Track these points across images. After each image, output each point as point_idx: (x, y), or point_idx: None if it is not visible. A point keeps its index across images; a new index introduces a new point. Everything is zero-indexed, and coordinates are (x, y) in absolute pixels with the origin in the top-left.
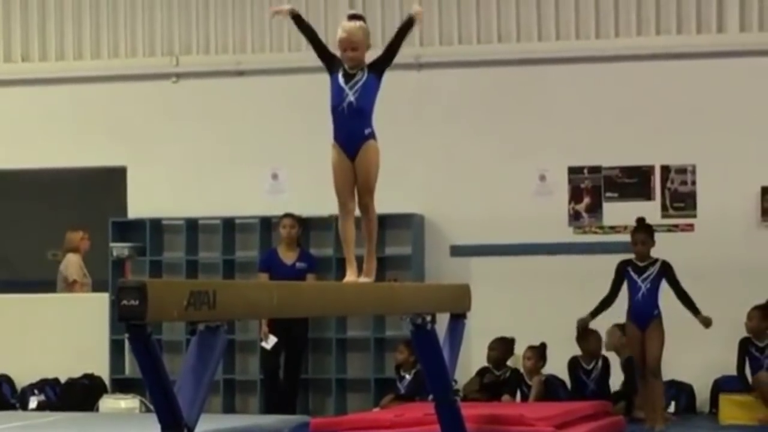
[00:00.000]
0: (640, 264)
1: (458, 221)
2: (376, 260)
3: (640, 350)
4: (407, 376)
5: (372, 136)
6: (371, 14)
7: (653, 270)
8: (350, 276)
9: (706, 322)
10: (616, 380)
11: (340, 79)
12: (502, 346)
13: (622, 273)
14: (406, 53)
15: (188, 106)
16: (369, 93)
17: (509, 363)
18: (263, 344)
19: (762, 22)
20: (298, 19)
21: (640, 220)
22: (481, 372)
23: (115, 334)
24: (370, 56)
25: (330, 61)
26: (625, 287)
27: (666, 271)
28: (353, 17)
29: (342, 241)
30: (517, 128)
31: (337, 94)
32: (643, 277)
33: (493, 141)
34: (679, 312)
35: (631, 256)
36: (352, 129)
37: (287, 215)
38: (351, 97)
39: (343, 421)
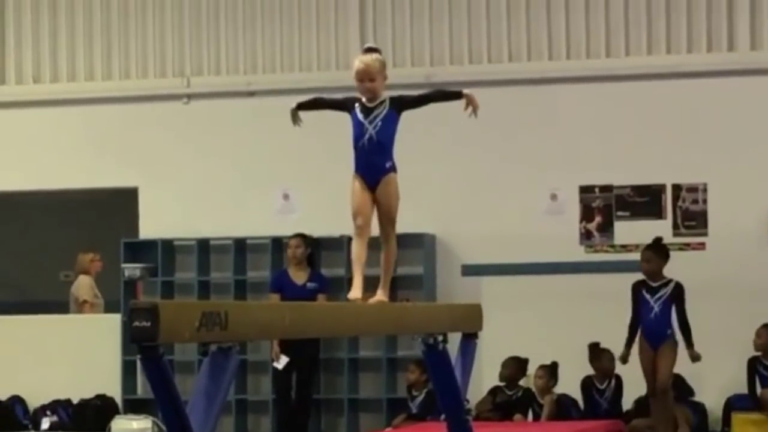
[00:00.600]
0: (653, 284)
1: (469, 241)
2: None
3: (652, 369)
4: (419, 396)
5: (393, 169)
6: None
7: (666, 291)
8: (355, 292)
9: (695, 358)
10: (629, 399)
11: (359, 115)
12: (515, 365)
13: (636, 294)
14: (416, 73)
15: (199, 126)
16: (389, 126)
17: (521, 383)
18: (275, 364)
19: None
20: (302, 106)
21: (655, 239)
22: (493, 391)
23: (127, 355)
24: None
25: (344, 106)
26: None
27: (677, 294)
28: (369, 50)
29: (352, 259)
30: (528, 147)
31: (358, 128)
32: (655, 297)
33: (504, 160)
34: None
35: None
36: (374, 163)
37: (294, 235)
38: (371, 131)
39: None
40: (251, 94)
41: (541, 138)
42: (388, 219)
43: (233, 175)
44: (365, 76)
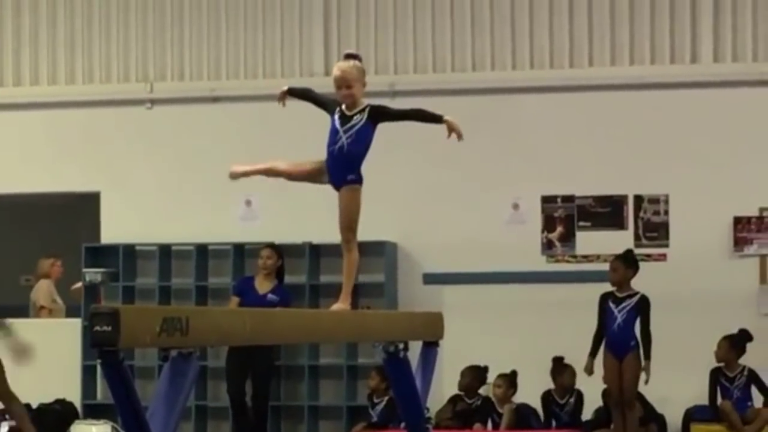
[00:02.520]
0: (619, 295)
1: (431, 249)
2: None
3: (617, 380)
4: (380, 403)
5: (355, 181)
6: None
7: (631, 302)
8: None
9: (647, 372)
10: (589, 409)
11: (337, 122)
12: (474, 374)
13: (602, 304)
14: (380, 81)
15: (162, 132)
16: (362, 138)
17: (481, 391)
18: None
19: (735, 53)
20: (293, 92)
21: (626, 250)
22: (454, 399)
23: (87, 360)
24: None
25: (328, 109)
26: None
27: (641, 306)
28: (348, 56)
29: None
30: (491, 157)
31: (332, 136)
32: (620, 307)
33: (466, 169)
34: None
35: (606, 285)
36: (338, 171)
37: (267, 246)
38: (344, 141)
39: None
40: (215, 100)
41: (504, 147)
42: (344, 226)
43: (196, 180)
44: (342, 83)
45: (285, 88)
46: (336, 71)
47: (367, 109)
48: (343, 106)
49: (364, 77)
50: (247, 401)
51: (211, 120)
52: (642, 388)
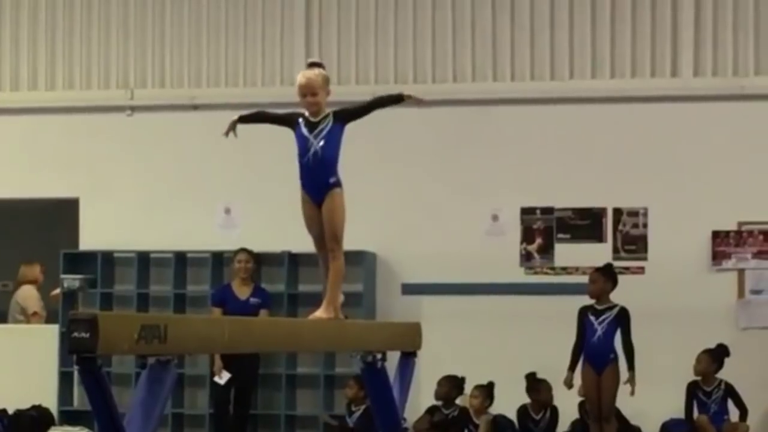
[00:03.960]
0: (599, 307)
1: (410, 259)
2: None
3: (595, 393)
4: (357, 412)
5: (337, 184)
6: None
7: (611, 314)
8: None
9: (632, 383)
10: (565, 421)
11: (303, 129)
12: (451, 384)
13: (581, 317)
14: (361, 91)
15: (142, 139)
16: (333, 141)
17: (458, 401)
18: (216, 379)
19: (716, 67)
20: (243, 119)
21: (606, 264)
22: (431, 410)
23: (64, 366)
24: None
25: (288, 122)
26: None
27: (621, 318)
28: (312, 65)
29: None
30: (471, 168)
31: (302, 144)
32: (599, 320)
33: (446, 180)
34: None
35: (585, 298)
36: (317, 178)
37: (242, 250)
38: (316, 146)
39: None
40: (195, 107)
41: (484, 159)
42: (331, 235)
43: (175, 188)
44: (307, 91)
45: (234, 117)
46: (301, 78)
47: (331, 114)
48: (307, 114)
49: (328, 85)
50: (229, 410)
51: (191, 127)
52: (618, 401)
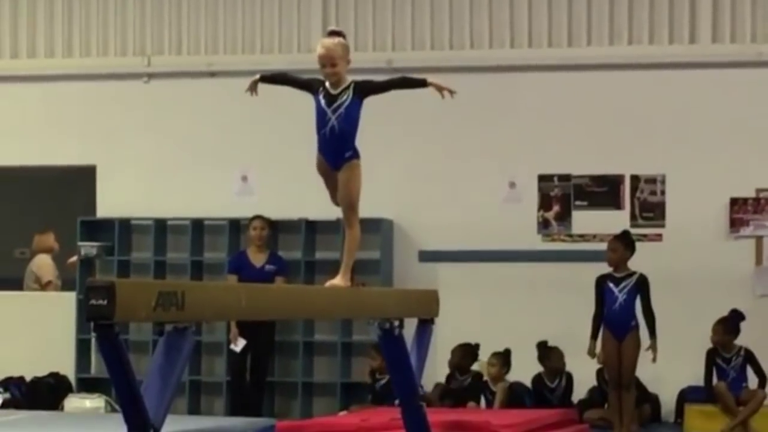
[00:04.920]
0: (618, 275)
1: (427, 227)
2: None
3: (616, 360)
4: (382, 380)
5: (354, 156)
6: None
7: (630, 282)
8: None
9: (654, 350)
10: (582, 390)
11: (322, 102)
12: (464, 352)
13: (601, 286)
14: (378, 57)
15: (159, 106)
16: (351, 116)
17: (474, 367)
18: (232, 347)
19: (734, 33)
20: (265, 79)
21: (623, 231)
22: (448, 379)
23: (81, 334)
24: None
25: (309, 88)
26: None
27: (641, 285)
28: (332, 33)
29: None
30: (488, 135)
31: (320, 117)
32: (619, 288)
33: (463, 147)
34: (644, 322)
35: (602, 265)
36: (334, 151)
37: (257, 217)
38: (333, 121)
39: (309, 424)
40: (212, 74)
41: (501, 126)
42: (347, 204)
43: (192, 155)
44: (327, 61)
45: (257, 76)
46: (320, 49)
47: (351, 86)
48: (327, 85)
49: (348, 55)
50: (246, 377)
51: (208, 94)
52: (637, 368)
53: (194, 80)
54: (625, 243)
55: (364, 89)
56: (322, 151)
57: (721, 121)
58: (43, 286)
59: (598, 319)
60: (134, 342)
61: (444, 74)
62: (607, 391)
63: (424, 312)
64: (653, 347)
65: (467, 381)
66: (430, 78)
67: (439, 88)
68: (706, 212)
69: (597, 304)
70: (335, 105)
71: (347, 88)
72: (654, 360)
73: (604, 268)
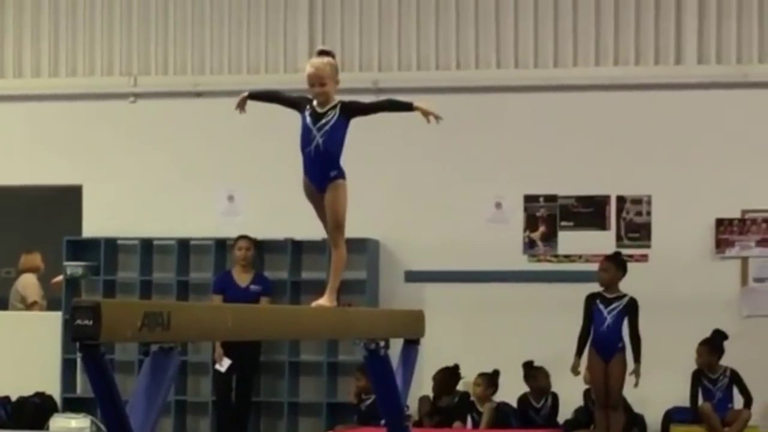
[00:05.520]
0: (608, 296)
1: (413, 247)
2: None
3: (602, 381)
4: (368, 400)
5: (339, 176)
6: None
7: (620, 304)
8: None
9: (637, 375)
10: (568, 410)
11: (308, 119)
12: (444, 376)
13: (590, 305)
14: (364, 78)
15: (145, 126)
16: (336, 135)
17: (460, 387)
18: (217, 367)
19: (719, 54)
20: (254, 96)
21: (615, 252)
22: (434, 400)
23: (67, 353)
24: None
25: (297, 106)
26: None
27: (630, 308)
28: (322, 53)
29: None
30: (474, 155)
31: (305, 135)
32: (609, 308)
33: (449, 167)
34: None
35: (588, 285)
36: (319, 171)
37: (242, 237)
38: (318, 140)
39: None
40: (198, 94)
41: (487, 146)
42: (334, 225)
43: (178, 175)
44: (315, 81)
45: (245, 93)
46: (309, 68)
47: (338, 106)
48: (315, 103)
49: (337, 75)
50: (231, 397)
51: (194, 114)
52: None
53: (180, 100)
54: (616, 263)
55: (351, 110)
56: (307, 171)
57: (707, 142)
58: (28, 306)
59: (584, 337)
60: (120, 362)
61: (430, 95)
62: (593, 411)
63: (410, 332)
64: (636, 372)
65: (455, 400)
66: (417, 102)
67: (425, 113)
68: (691, 233)
69: (584, 322)
70: (320, 123)
71: (334, 107)
72: (636, 385)
73: (590, 288)
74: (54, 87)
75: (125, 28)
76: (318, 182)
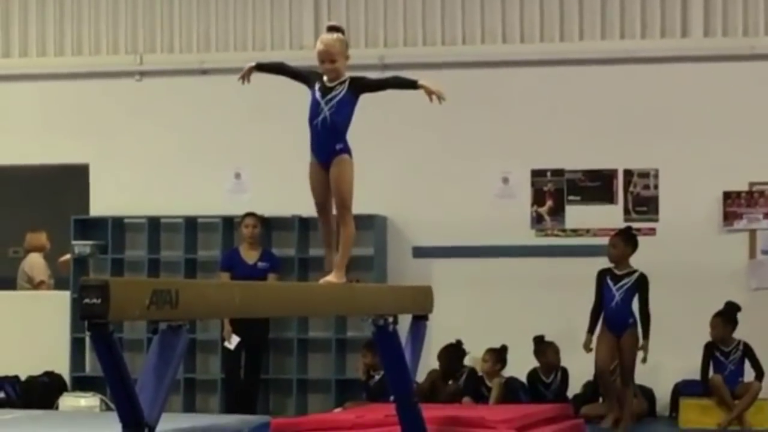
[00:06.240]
0: (618, 272)
1: (421, 223)
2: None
3: (609, 357)
4: (377, 376)
5: (344, 150)
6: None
7: (629, 280)
8: (331, 276)
9: (645, 351)
10: (577, 385)
11: (317, 93)
12: (446, 355)
13: (600, 281)
14: (370, 54)
15: (152, 104)
16: (344, 109)
17: (468, 362)
18: (226, 344)
19: (726, 27)
20: (262, 68)
21: (626, 227)
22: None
23: (76, 332)
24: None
25: (306, 80)
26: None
27: (640, 284)
28: (331, 29)
29: (323, 244)
30: (481, 130)
31: (314, 108)
32: (618, 285)
33: (456, 143)
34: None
35: (596, 259)
36: (325, 144)
37: (249, 214)
38: (326, 112)
39: (304, 421)
40: (204, 72)
41: (494, 121)
42: (339, 201)
43: (185, 153)
44: (326, 57)
45: (252, 63)
46: (319, 45)
47: (347, 81)
48: (325, 78)
49: (347, 50)
50: (240, 375)
51: (200, 92)
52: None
53: (186, 78)
54: (625, 239)
55: (360, 85)
56: (313, 147)
57: (713, 115)
58: (35, 286)
59: (596, 314)
60: (129, 340)
61: (436, 70)
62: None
63: (419, 308)
64: (644, 348)
65: (460, 383)
66: (422, 80)
67: (429, 92)
68: (699, 206)
69: (596, 298)
70: (329, 96)
71: (343, 82)
72: (644, 361)
73: (598, 262)
74: (60, 66)
75: (130, 6)
76: (324, 156)
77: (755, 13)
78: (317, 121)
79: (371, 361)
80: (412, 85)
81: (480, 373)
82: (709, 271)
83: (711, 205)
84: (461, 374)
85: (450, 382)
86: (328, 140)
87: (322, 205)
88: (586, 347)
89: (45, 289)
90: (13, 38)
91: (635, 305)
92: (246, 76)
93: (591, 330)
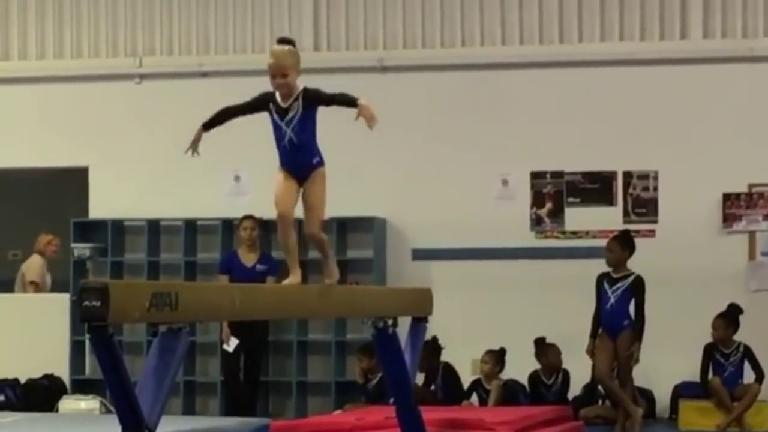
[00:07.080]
0: (614, 276)
1: (420, 225)
2: (337, 264)
3: (606, 360)
4: (374, 379)
5: (321, 163)
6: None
7: (625, 283)
8: (293, 278)
9: (636, 352)
10: (577, 387)
11: (275, 117)
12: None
13: (598, 285)
14: (370, 56)
15: (151, 106)
16: (306, 127)
17: (467, 365)
18: (225, 347)
19: (725, 29)
20: (208, 126)
21: (623, 231)
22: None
23: (75, 335)
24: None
25: (259, 108)
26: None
27: (636, 287)
28: (282, 41)
29: (284, 249)
30: (480, 132)
31: (277, 132)
32: (613, 288)
33: (455, 145)
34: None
35: (595, 262)
36: (301, 162)
37: (247, 217)
38: (290, 134)
39: (303, 423)
40: (203, 75)
41: (494, 123)
42: (319, 213)
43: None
44: (277, 72)
45: (198, 129)
46: (270, 59)
47: (301, 95)
48: (278, 97)
49: (299, 63)
50: (240, 377)
51: (199, 95)
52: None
53: (186, 81)
54: (622, 243)
55: (313, 98)
56: (285, 164)
57: (713, 117)
58: (26, 286)
59: (598, 318)
60: (128, 343)
61: (435, 72)
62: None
63: (418, 310)
64: (636, 351)
65: (437, 377)
66: (362, 99)
67: (360, 113)
68: (698, 208)
69: (597, 303)
70: (288, 118)
71: (297, 98)
72: (636, 362)
73: (597, 264)
74: (59, 69)
75: (130, 9)
76: (301, 173)
77: (754, 15)
78: (284, 143)
79: (367, 365)
80: (352, 103)
81: (479, 376)
82: (709, 272)
83: (710, 206)
84: (437, 371)
85: (430, 386)
86: (303, 158)
87: (286, 215)
88: (589, 352)
89: (36, 291)
90: (12, 41)
91: (632, 308)
92: (194, 144)
93: (593, 335)
